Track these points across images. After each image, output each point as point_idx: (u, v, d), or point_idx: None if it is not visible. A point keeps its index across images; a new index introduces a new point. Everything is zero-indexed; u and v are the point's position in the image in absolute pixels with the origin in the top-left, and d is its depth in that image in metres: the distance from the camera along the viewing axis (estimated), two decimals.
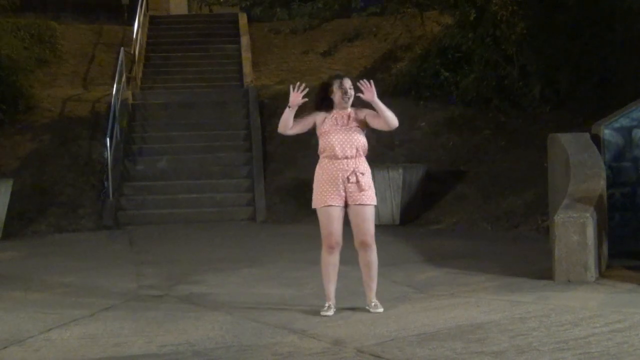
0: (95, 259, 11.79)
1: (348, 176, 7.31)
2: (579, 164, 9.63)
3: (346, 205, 7.37)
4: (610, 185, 9.78)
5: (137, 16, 20.92)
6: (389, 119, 7.38)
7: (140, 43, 20.68)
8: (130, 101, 18.42)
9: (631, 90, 13.42)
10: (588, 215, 8.61)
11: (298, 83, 7.45)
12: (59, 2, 23.20)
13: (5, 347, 6.72)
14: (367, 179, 7.39)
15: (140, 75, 20.04)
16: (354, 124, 7.42)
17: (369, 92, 7.34)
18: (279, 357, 6.17)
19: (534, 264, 9.70)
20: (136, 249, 12.69)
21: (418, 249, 11.57)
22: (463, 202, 14.38)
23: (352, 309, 7.69)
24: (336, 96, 7.45)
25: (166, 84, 20.11)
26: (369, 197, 7.37)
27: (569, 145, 10.05)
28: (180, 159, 16.87)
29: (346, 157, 7.33)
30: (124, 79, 18.48)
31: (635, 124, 10.17)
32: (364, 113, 7.48)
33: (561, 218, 8.64)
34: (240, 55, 21.05)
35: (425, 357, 6.01)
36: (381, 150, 15.98)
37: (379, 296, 8.22)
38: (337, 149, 7.34)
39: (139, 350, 6.53)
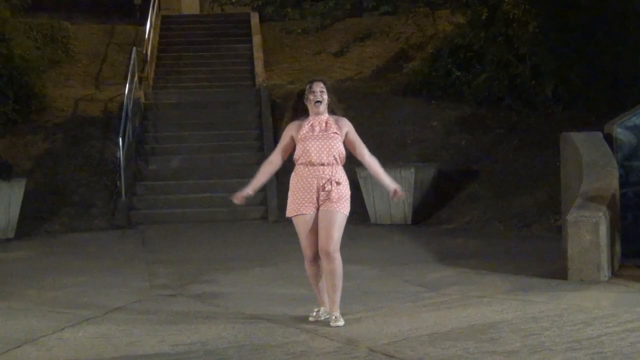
0: (107, 258, 11.82)
1: (324, 184, 6.99)
2: (592, 163, 9.60)
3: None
4: (623, 184, 9.75)
5: (149, 16, 20.96)
6: (371, 171, 7.26)
7: (152, 43, 20.72)
8: (143, 101, 18.46)
9: None
10: (601, 214, 8.59)
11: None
12: (72, 2, 23.25)
13: (19, 346, 6.75)
14: (342, 189, 7.04)
15: (152, 75, 20.08)
16: (332, 131, 7.07)
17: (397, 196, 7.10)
18: (291, 356, 6.18)
19: (547, 263, 9.68)
20: (148, 249, 12.71)
21: (430, 248, 11.56)
22: (475, 202, 14.36)
23: (364, 308, 7.70)
24: (308, 100, 7.09)
25: (178, 84, 20.14)
26: (341, 206, 7.00)
27: (582, 145, 10.02)
28: (192, 158, 16.90)
29: (322, 164, 7.01)
30: (136, 78, 18.52)
31: None
32: (346, 128, 7.14)
33: (574, 217, 8.62)
34: (252, 55, 21.07)
35: (438, 356, 6.01)
36: (393, 150, 15.97)
37: (392, 296, 8.23)
38: (313, 155, 7.01)
39: (152, 350, 6.54)
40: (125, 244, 13.29)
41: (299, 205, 7.07)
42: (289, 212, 7.17)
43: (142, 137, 17.40)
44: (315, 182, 7.02)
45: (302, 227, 7.09)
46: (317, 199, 7.02)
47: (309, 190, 7.04)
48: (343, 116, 7.24)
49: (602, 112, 13.77)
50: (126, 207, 15.46)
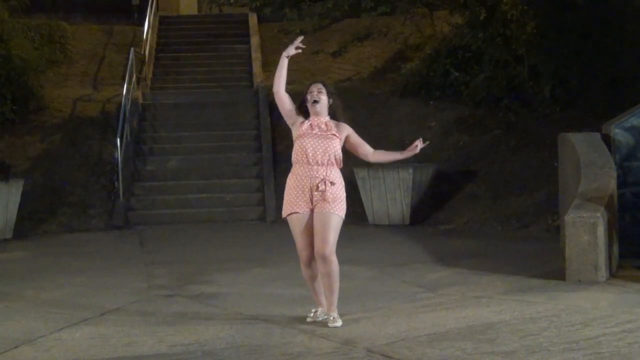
0: (105, 259, 11.81)
1: (317, 183, 6.98)
2: (590, 163, 9.61)
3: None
4: (620, 185, 9.76)
5: (147, 16, 20.96)
6: (383, 161, 7.56)
7: (150, 43, 20.72)
8: (141, 101, 18.45)
9: None
10: (599, 215, 8.59)
11: (301, 37, 7.79)
12: (69, 2, 23.23)
13: (17, 347, 6.74)
14: (336, 190, 7.02)
15: (150, 75, 20.06)
16: (331, 132, 7.09)
17: (413, 151, 7.34)
18: (288, 357, 6.18)
19: (545, 264, 9.68)
20: (146, 249, 12.71)
21: (428, 249, 11.56)
22: (473, 202, 14.36)
23: (362, 309, 7.70)
24: (307, 100, 7.17)
25: (176, 84, 20.14)
26: (336, 207, 6.97)
27: (580, 145, 10.03)
28: (190, 159, 16.89)
29: (317, 164, 7.01)
30: (134, 79, 18.51)
31: None
32: (347, 132, 7.17)
33: (572, 218, 8.62)
34: (250, 56, 21.06)
35: (436, 357, 6.01)
36: (391, 150, 15.93)
37: (390, 296, 8.23)
38: (309, 153, 7.03)
39: (150, 350, 6.54)
40: (123, 245, 13.29)
41: (292, 205, 7.08)
42: (284, 212, 7.20)
43: (140, 138, 17.40)
44: (309, 181, 7.03)
45: (296, 227, 7.10)
46: (311, 199, 7.02)
47: (302, 190, 7.05)
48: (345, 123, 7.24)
49: (600, 112, 13.76)
50: (124, 208, 15.45)
